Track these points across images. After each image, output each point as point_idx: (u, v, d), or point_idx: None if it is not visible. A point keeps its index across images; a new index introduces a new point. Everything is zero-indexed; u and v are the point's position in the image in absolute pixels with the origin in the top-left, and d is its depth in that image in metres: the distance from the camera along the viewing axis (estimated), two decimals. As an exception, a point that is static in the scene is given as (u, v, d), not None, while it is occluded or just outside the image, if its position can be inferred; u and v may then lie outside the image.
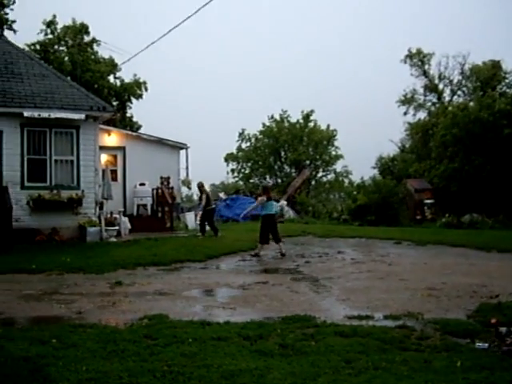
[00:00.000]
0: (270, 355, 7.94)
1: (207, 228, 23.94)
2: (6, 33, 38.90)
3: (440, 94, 54.69)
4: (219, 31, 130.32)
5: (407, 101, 55.02)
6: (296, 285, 14.22)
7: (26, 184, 21.70)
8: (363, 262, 18.44)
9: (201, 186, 24.54)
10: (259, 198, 21.33)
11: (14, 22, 42.68)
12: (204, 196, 23.93)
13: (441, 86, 54.86)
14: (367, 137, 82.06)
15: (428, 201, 40.08)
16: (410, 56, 54.01)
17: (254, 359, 7.75)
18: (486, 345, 8.46)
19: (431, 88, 54.50)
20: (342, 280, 14.95)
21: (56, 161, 22.23)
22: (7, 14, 42.43)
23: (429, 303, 11.71)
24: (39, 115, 21.48)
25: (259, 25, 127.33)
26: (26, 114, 21.35)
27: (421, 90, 55.02)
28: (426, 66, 54.29)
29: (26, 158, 21.77)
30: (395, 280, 14.70)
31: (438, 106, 53.15)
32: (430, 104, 55.24)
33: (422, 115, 54.55)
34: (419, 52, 53.92)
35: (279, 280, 14.86)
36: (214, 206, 24.00)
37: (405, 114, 55.25)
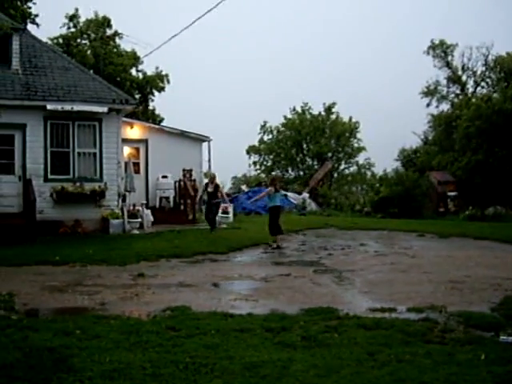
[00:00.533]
0: (292, 347, 7.92)
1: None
2: (30, 27, 39.09)
3: (463, 86, 54.23)
4: (241, 23, 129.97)
5: (430, 92, 54.56)
6: (318, 277, 14.19)
7: (50, 176, 21.83)
8: (386, 254, 18.37)
9: (213, 178, 23.99)
10: (268, 189, 21.30)
11: (36, 16, 42.84)
12: (219, 189, 23.49)
13: (464, 78, 54.41)
14: (390, 129, 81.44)
15: (451, 193, 39.81)
16: (432, 47, 53.52)
17: (276, 351, 7.74)
18: (511, 338, 8.39)
19: (454, 79, 54.03)
20: (365, 272, 14.90)
21: (79, 153, 22.36)
22: (30, 8, 42.57)
23: (452, 296, 11.62)
24: (62, 108, 21.61)
25: (281, 16, 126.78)
26: (49, 107, 21.49)
27: (444, 82, 54.57)
28: (450, 57, 53.80)
29: (49, 151, 21.91)
30: (418, 272, 14.62)
31: (461, 97, 52.69)
32: (453, 95, 54.79)
33: (445, 107, 54.10)
34: (442, 43, 53.42)
35: (302, 272, 14.83)
36: (219, 200, 23.33)
37: (428, 105, 54.85)
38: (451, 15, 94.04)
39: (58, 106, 21.60)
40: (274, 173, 60.11)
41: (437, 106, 54.55)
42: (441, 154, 47.18)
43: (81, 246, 18.67)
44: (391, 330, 8.66)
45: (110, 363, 7.13)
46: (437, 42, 53.50)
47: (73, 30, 48.81)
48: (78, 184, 21.83)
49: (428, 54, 53.80)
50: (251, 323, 9.16)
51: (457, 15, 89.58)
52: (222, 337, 8.39)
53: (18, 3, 40.24)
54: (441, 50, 53.61)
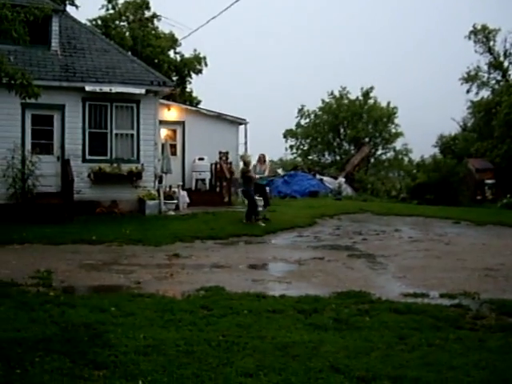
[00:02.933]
0: (323, 329, 8.01)
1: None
2: (69, 8, 39.40)
3: (505, 72, 53.30)
4: (280, 5, 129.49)
5: (470, 78, 53.75)
6: (352, 261, 14.24)
7: (88, 157, 22.07)
8: (421, 240, 18.32)
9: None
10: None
11: (76, -3, 43.19)
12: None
13: (506, 64, 53.44)
14: (428, 115, 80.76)
15: (489, 181, 39.39)
16: (474, 32, 52.62)
17: (307, 332, 7.83)
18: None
19: (496, 65, 53.15)
20: (399, 258, 14.91)
21: (116, 134, 22.56)
22: (70, -11, 42.94)
23: (486, 283, 11.60)
24: (100, 89, 21.81)
25: (321, 2, 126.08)
26: (87, 88, 21.70)
27: (485, 68, 53.64)
28: (491, 43, 52.84)
29: (87, 132, 22.13)
30: (452, 259, 14.58)
31: (502, 84, 51.80)
32: (493, 82, 53.87)
33: (485, 93, 53.20)
34: (484, 28, 52.49)
35: (335, 256, 14.89)
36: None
37: (468, 91, 54.03)
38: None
39: (97, 88, 21.81)
40: (317, 157, 60.09)
41: (477, 93, 53.72)
42: (480, 141, 46.60)
43: (117, 226, 18.91)
44: (422, 315, 8.70)
45: (144, 339, 7.30)
46: (479, 26, 52.59)
47: (111, 11, 49.03)
48: (115, 165, 22.04)
49: (469, 39, 52.92)
50: (283, 304, 9.27)
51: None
52: (254, 317, 8.50)
53: (58, -15, 40.54)
54: (483, 35, 52.70)
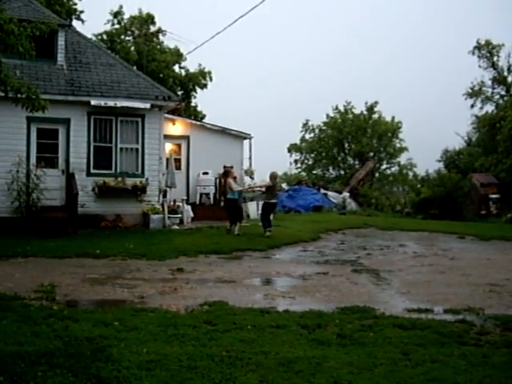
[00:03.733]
0: (327, 344, 7.98)
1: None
2: (75, 23, 39.69)
3: (509, 87, 53.34)
4: (284, 20, 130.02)
5: (474, 93, 53.79)
6: (356, 276, 14.21)
7: (92, 171, 22.12)
8: (425, 255, 18.28)
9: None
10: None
11: (82, 12, 43.46)
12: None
13: (510, 79, 53.47)
14: (433, 129, 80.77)
15: (493, 195, 39.31)
16: (478, 47, 52.73)
17: (311, 348, 7.81)
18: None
19: (500, 80, 53.19)
20: (403, 273, 14.87)
21: (121, 149, 22.62)
22: (76, 4, 43.19)
23: (490, 299, 11.54)
24: (106, 104, 21.90)
25: (324, 14, 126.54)
26: (93, 102, 21.78)
27: (489, 83, 53.70)
28: (495, 58, 52.92)
29: (92, 146, 22.20)
30: (457, 274, 14.54)
31: (506, 98, 51.87)
32: (498, 97, 53.91)
33: (489, 108, 53.23)
34: (488, 43, 52.60)
35: (339, 271, 14.86)
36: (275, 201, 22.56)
37: (472, 106, 54.04)
38: (498, 15, 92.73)
39: (102, 102, 21.90)
40: (321, 172, 60.21)
41: (481, 107, 53.76)
42: (484, 155, 46.61)
43: (121, 240, 18.91)
44: (427, 331, 8.66)
45: (148, 354, 7.28)
46: (483, 42, 52.74)
47: (117, 26, 49.36)
48: (119, 179, 22.08)
49: (473, 54, 53.04)
50: (287, 320, 9.24)
51: (504, 15, 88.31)
52: (257, 332, 8.48)
53: (64, 0, 40.78)
54: (486, 51, 52.80)
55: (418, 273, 14.97)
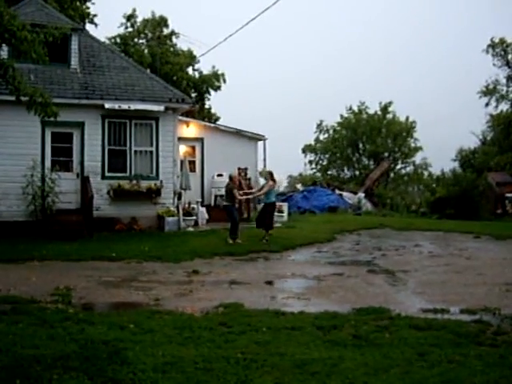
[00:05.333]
0: (342, 345, 7.96)
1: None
2: (88, 27, 39.86)
3: (524, 85, 53.10)
4: (298, 21, 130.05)
5: (489, 92, 53.51)
6: (371, 277, 14.17)
7: (107, 174, 22.19)
8: (441, 255, 18.20)
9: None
10: (270, 183, 20.66)
11: (95, 16, 43.61)
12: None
13: (525, 77, 53.24)
14: (447, 129, 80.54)
15: (509, 194, 39.08)
16: (492, 45, 52.45)
17: (326, 349, 7.79)
18: None
19: (514, 78, 52.91)
20: (419, 273, 14.81)
21: (136, 151, 22.68)
22: (89, 8, 43.38)
23: (506, 298, 11.47)
24: (119, 107, 21.96)
25: (339, 15, 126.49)
26: (106, 105, 21.86)
27: (503, 81, 53.42)
28: (510, 56, 52.66)
29: (106, 149, 22.27)
30: (473, 274, 14.46)
31: (521, 97, 51.64)
32: (512, 95, 53.68)
33: (504, 107, 53.00)
34: (502, 41, 52.30)
35: (355, 272, 14.82)
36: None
37: (486, 105, 53.80)
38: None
39: (116, 105, 21.97)
40: (336, 172, 60.01)
41: (496, 106, 53.50)
42: (499, 154, 46.40)
43: (136, 242, 18.95)
44: (443, 331, 8.62)
45: (163, 357, 7.29)
46: (497, 40, 52.48)
47: (130, 29, 49.56)
48: (134, 182, 22.13)
49: (487, 52, 52.77)
50: (302, 321, 9.23)
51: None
52: (273, 334, 8.48)
53: (78, 4, 40.99)
54: (501, 49, 52.51)
55: (433, 273, 14.90)
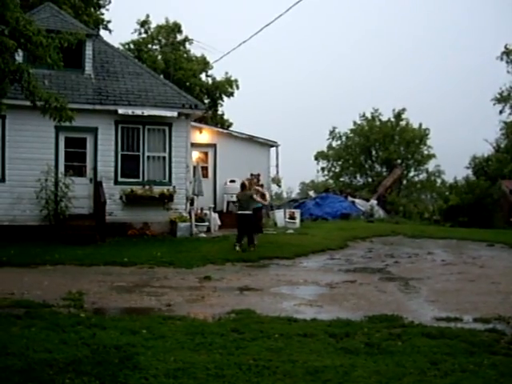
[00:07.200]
0: (355, 353, 7.93)
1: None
2: (102, 32, 40.03)
3: (538, 93, 52.81)
4: (311, 29, 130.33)
5: (503, 99, 53.25)
6: (384, 284, 14.12)
7: (120, 179, 22.24)
8: (454, 263, 18.12)
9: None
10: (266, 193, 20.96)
11: (109, 22, 43.80)
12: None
13: (539, 84, 52.94)
14: (461, 136, 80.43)
15: (523, 203, 38.84)
16: (506, 53, 52.19)
17: (339, 356, 7.76)
18: None
19: (529, 86, 52.62)
20: (432, 281, 14.75)
21: (148, 157, 22.73)
22: (103, 14, 43.58)
23: (521, 307, 11.41)
24: (133, 112, 22.02)
25: (351, 23, 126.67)
26: (120, 111, 21.93)
27: (518, 88, 53.17)
28: (525, 63, 52.39)
29: (119, 154, 22.34)
30: (487, 283, 14.39)
31: (535, 104, 51.35)
32: (527, 103, 53.38)
33: (518, 114, 52.74)
34: (517, 48, 52.07)
35: (367, 279, 14.78)
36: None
37: (500, 112, 53.55)
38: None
39: (129, 111, 22.03)
40: (348, 179, 59.89)
41: (510, 113, 53.23)
42: (514, 162, 46.09)
43: (148, 248, 18.98)
44: (456, 340, 8.57)
45: (175, 362, 7.28)
46: (511, 47, 52.22)
47: (144, 35, 49.69)
48: (147, 187, 22.17)
49: (501, 59, 52.56)
50: (315, 328, 9.20)
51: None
52: (285, 341, 8.45)
53: (92, 10, 41.17)
54: (515, 56, 52.26)
55: (446, 281, 14.84)
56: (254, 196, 19.91)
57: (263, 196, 21.70)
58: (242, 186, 20.21)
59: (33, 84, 11.46)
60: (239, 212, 19.86)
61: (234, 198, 27.11)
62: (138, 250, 18.39)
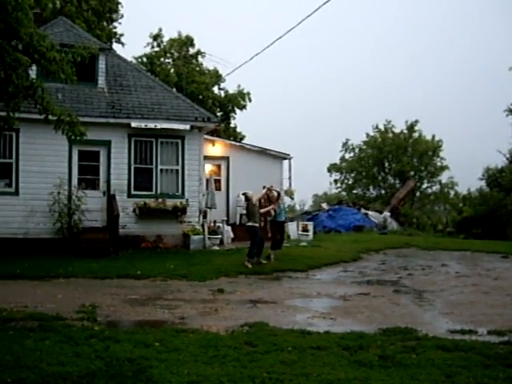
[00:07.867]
0: (369, 366, 7.89)
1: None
2: (115, 46, 40.35)
3: (552, 103, 52.54)
4: (323, 40, 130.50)
5: (516, 110, 53.03)
6: (398, 297, 14.05)
7: (133, 192, 22.32)
8: (468, 275, 18.00)
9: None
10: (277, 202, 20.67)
11: (122, 35, 44.14)
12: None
13: (553, 95, 52.81)
14: (474, 147, 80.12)
15: (538, 214, 38.61)
16: (519, 64, 52.14)
17: (352, 369, 7.72)
18: None
19: (542, 97, 52.46)
20: (446, 293, 14.66)
21: (161, 170, 22.81)
22: (116, 28, 43.90)
23: (536, 319, 11.33)
24: (146, 126, 22.12)
25: (363, 35, 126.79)
26: (133, 124, 22.05)
27: (532, 99, 52.99)
28: (538, 75, 52.28)
29: (132, 167, 22.43)
30: (501, 295, 14.29)
31: (549, 115, 51.06)
32: (540, 113, 53.11)
33: (532, 125, 52.44)
34: (529, 59, 51.99)
35: (381, 292, 14.71)
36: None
37: (512, 123, 53.29)
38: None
39: (142, 124, 22.14)
40: (361, 192, 59.80)
41: (523, 124, 52.91)
42: (527, 173, 45.84)
43: (162, 260, 18.99)
44: (470, 353, 8.51)
45: (188, 375, 7.27)
46: (524, 58, 52.10)
47: (156, 49, 49.91)
48: (160, 200, 22.23)
49: (514, 71, 52.37)
50: (328, 341, 9.16)
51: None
52: (298, 353, 8.42)
53: (105, 24, 41.45)
54: (528, 66, 52.06)
55: (460, 293, 14.76)
56: (255, 201, 19.69)
57: (271, 198, 20.66)
58: (246, 197, 20.17)
59: (46, 100, 11.52)
60: (246, 224, 19.94)
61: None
62: (151, 263, 18.41)
